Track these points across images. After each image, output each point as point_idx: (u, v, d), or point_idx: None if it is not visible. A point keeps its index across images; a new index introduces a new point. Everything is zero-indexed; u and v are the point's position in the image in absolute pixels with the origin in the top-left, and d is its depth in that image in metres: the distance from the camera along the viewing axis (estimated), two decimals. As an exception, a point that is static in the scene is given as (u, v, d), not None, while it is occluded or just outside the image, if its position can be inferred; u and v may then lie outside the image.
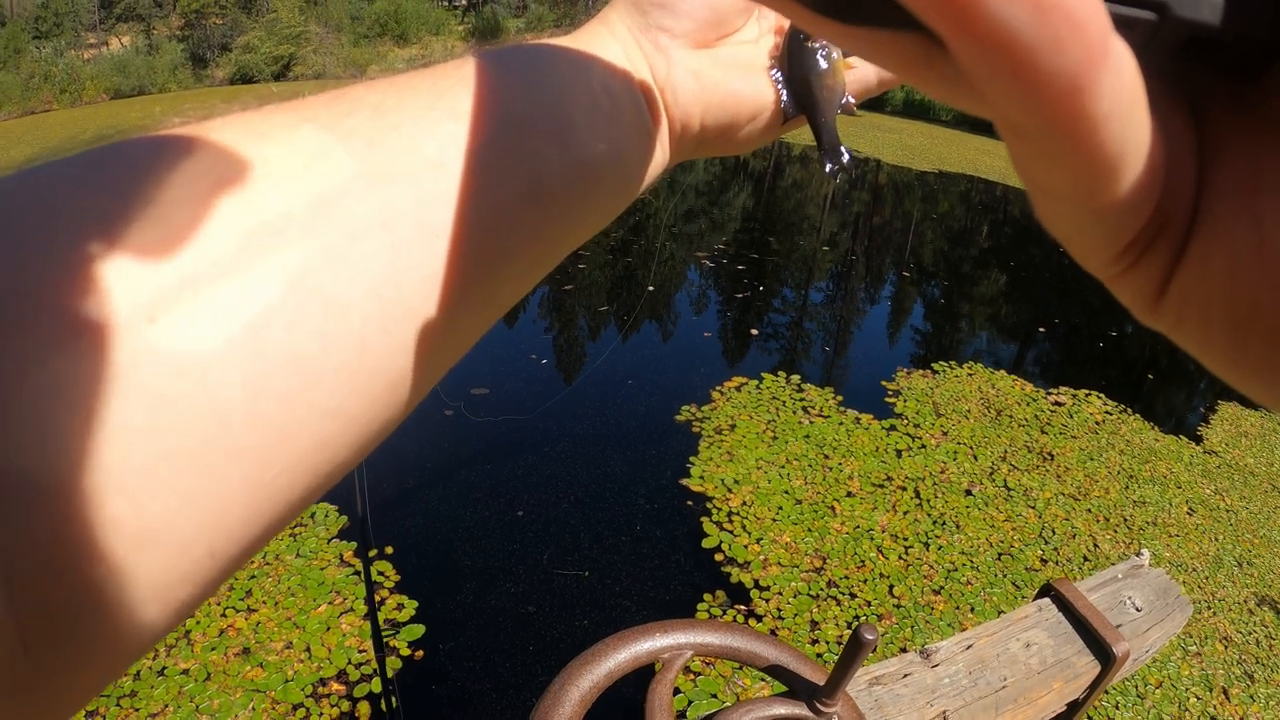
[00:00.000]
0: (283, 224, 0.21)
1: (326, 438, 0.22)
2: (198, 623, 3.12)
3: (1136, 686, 3.09)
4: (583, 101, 0.30)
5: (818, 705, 0.95)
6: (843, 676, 0.91)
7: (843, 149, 0.38)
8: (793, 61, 0.35)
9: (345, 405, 0.22)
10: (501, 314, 0.29)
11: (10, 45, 24.92)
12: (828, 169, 0.38)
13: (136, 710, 2.76)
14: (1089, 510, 4.18)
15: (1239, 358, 0.16)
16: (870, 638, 0.86)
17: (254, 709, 2.80)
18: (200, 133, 0.22)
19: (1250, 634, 3.50)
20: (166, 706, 2.78)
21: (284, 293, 0.21)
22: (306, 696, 2.86)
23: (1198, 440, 5.25)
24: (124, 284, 0.18)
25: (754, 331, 6.68)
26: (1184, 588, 3.51)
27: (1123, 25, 0.13)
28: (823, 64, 0.35)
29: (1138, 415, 5.28)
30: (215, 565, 0.20)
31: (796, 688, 0.98)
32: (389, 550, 3.59)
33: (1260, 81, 0.16)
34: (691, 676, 2.99)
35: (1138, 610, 1.26)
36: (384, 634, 3.16)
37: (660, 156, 0.35)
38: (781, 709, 0.97)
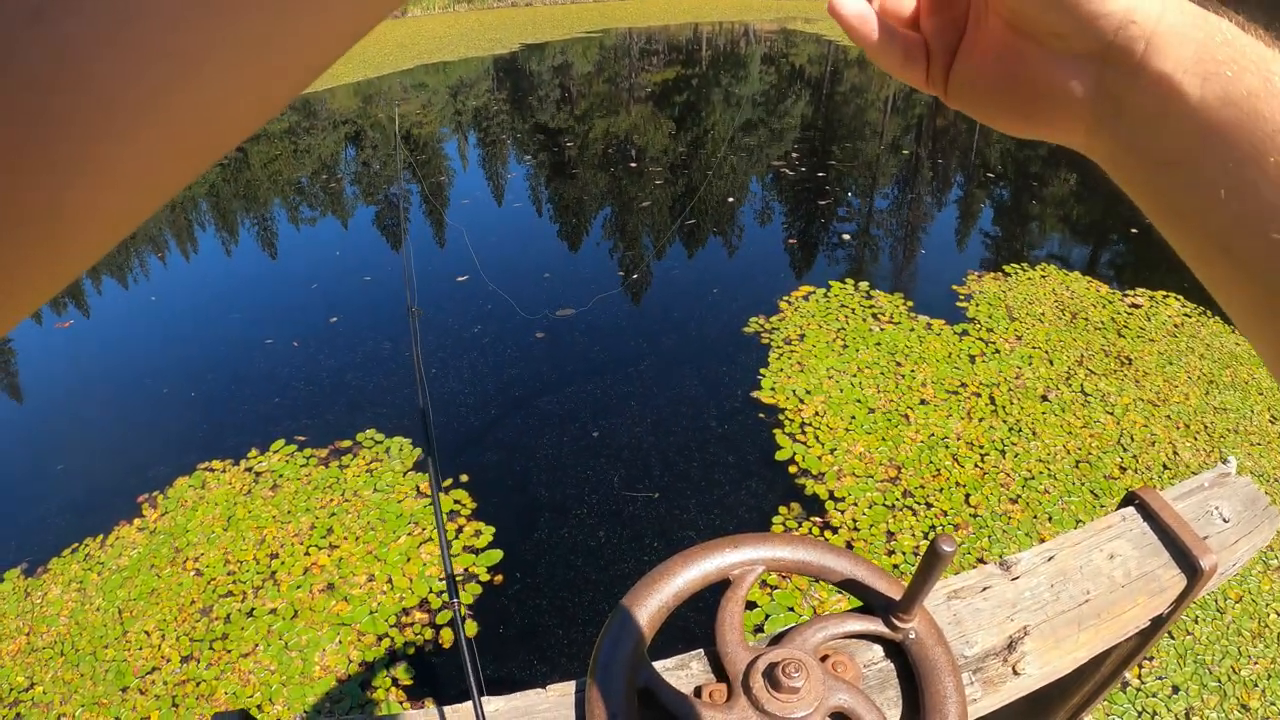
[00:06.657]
0: None
1: None
2: (282, 563, 3.29)
3: (1216, 600, 3.06)
4: None
5: (894, 620, 0.92)
6: (919, 590, 0.88)
7: None
8: None
9: None
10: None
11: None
12: None
13: (229, 652, 2.94)
14: (1168, 416, 4.09)
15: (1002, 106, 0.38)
16: (948, 549, 0.81)
17: (341, 642, 2.95)
18: None
19: (1336, 548, 3.43)
20: (257, 646, 2.96)
21: None
22: (390, 627, 3.00)
23: (1282, 342, 5.07)
24: None
25: (846, 236, 6.64)
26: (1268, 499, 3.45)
27: None
28: None
29: (1218, 318, 5.10)
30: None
31: (872, 602, 0.96)
32: (464, 478, 3.70)
33: None
34: (768, 590, 3.06)
35: (1225, 521, 1.19)
36: (461, 559, 3.29)
37: None
38: (856, 625, 0.94)
